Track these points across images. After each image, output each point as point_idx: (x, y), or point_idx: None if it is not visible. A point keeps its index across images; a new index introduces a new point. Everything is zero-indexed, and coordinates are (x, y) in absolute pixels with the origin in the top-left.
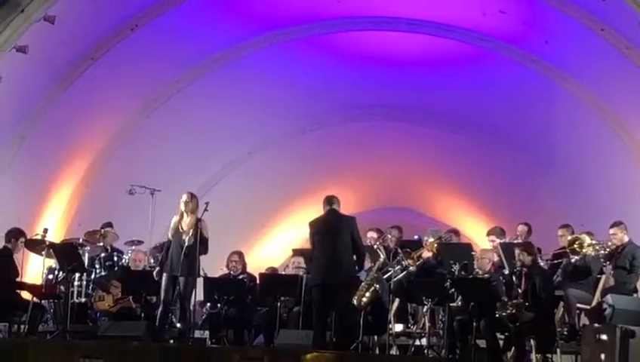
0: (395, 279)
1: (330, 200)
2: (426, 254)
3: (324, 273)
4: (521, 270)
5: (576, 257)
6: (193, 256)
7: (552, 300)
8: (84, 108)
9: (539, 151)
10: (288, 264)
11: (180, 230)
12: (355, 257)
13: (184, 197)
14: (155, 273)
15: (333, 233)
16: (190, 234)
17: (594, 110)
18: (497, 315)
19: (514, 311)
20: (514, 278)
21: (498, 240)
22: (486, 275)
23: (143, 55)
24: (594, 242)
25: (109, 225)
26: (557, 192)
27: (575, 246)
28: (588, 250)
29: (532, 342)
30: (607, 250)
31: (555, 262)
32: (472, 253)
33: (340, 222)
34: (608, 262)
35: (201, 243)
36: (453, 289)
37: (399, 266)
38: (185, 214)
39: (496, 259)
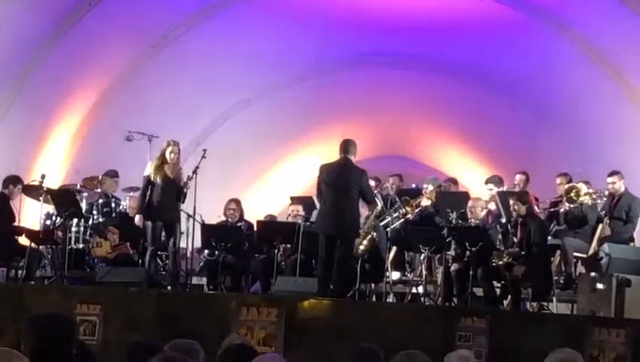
0: (393, 227)
1: (345, 147)
2: (425, 202)
3: (328, 223)
4: (517, 219)
5: (570, 206)
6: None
7: (547, 249)
8: (82, 54)
9: (538, 100)
10: (288, 213)
11: (167, 177)
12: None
13: (173, 147)
14: (138, 219)
15: (341, 184)
16: (176, 181)
17: (593, 59)
18: (494, 264)
19: (510, 259)
20: (509, 227)
21: (496, 189)
22: (478, 221)
23: (141, 1)
24: (591, 191)
25: (113, 174)
26: (555, 141)
27: (572, 194)
28: (585, 199)
29: (529, 290)
30: (604, 198)
31: (553, 210)
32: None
33: (350, 174)
34: (605, 212)
35: (182, 193)
36: (449, 238)
37: (397, 214)
38: (168, 161)
39: (493, 207)
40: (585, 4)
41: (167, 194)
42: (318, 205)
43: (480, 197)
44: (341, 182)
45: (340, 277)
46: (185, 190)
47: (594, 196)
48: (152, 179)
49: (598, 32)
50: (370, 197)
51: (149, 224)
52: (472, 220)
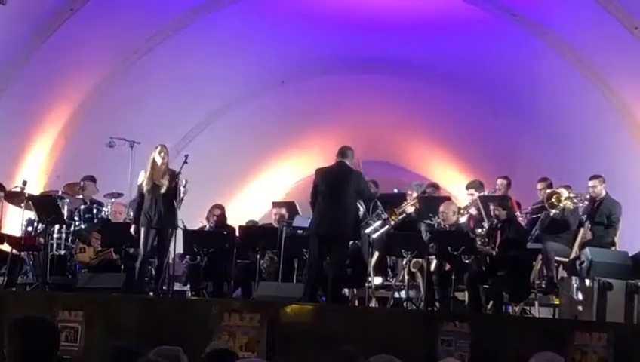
0: (377, 235)
1: (343, 152)
2: (410, 209)
3: (326, 227)
4: (496, 224)
5: (554, 211)
6: (173, 208)
7: (525, 253)
8: (64, 59)
9: (520, 105)
10: (273, 216)
11: (158, 183)
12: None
13: (162, 151)
14: (133, 229)
15: (338, 186)
16: (167, 186)
17: (575, 65)
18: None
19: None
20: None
21: (477, 194)
22: (450, 226)
23: (123, 6)
24: (572, 195)
25: (91, 178)
26: (538, 146)
27: (553, 200)
28: (566, 204)
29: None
30: (585, 202)
31: (535, 216)
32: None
33: (348, 176)
34: (586, 216)
35: (176, 198)
36: (431, 243)
37: (378, 218)
38: (158, 166)
39: (474, 212)
40: (568, 10)
41: (159, 200)
42: (300, 211)
43: (453, 201)
44: (338, 185)
45: (335, 281)
46: (182, 195)
47: (575, 200)
48: (145, 186)
49: (580, 38)
50: (369, 194)
51: (141, 230)
52: (445, 225)
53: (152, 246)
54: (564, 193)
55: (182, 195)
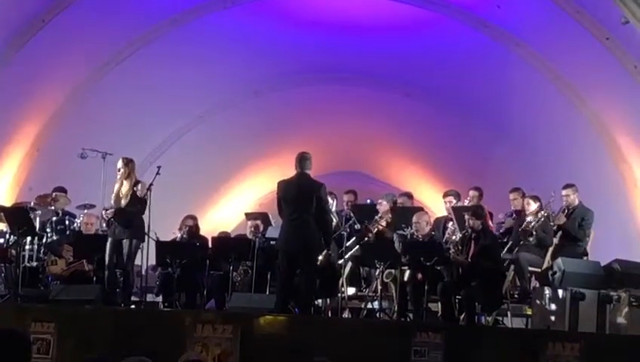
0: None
1: (302, 162)
2: (383, 224)
3: (290, 240)
4: (471, 234)
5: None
6: (133, 220)
7: (499, 263)
8: (35, 71)
9: (493, 116)
10: (249, 228)
11: (120, 196)
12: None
13: (118, 164)
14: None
15: (300, 199)
16: (128, 198)
17: (546, 75)
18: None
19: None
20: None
21: (455, 201)
22: (423, 236)
23: (95, 17)
24: (536, 208)
25: (62, 189)
26: (510, 157)
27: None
28: (532, 220)
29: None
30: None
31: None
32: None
33: (310, 188)
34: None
35: (138, 203)
36: (404, 253)
37: (351, 229)
38: (122, 180)
39: (449, 223)
40: (540, 22)
41: (122, 211)
42: (273, 222)
43: (426, 212)
44: (300, 197)
45: (308, 293)
46: (128, 208)
47: (539, 215)
48: (112, 197)
49: (552, 50)
50: (327, 214)
51: (107, 242)
52: (419, 235)
53: (118, 257)
54: (532, 206)
55: (133, 203)
